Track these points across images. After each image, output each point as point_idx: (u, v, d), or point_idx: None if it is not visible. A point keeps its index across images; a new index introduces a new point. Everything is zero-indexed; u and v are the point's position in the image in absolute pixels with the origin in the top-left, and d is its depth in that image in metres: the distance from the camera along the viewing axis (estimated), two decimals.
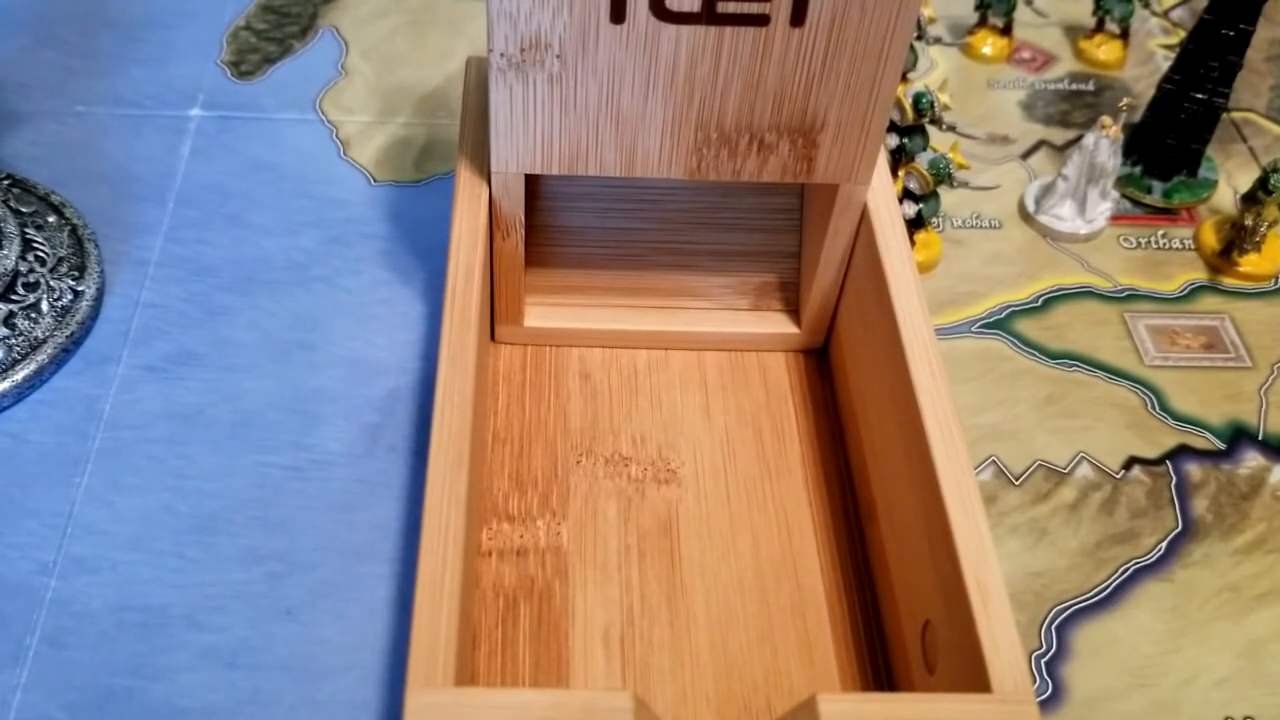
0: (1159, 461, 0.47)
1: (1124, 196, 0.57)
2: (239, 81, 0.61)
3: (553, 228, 0.47)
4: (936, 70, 0.64)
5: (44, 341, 0.47)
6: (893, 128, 0.50)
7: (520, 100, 0.39)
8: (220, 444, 0.45)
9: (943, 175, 0.50)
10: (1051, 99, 0.63)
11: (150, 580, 0.41)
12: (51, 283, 0.48)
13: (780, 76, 0.38)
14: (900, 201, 0.47)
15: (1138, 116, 0.59)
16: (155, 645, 0.39)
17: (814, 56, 0.38)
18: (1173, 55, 0.56)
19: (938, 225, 0.55)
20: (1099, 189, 0.54)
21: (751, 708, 0.38)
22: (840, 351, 0.46)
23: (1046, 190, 0.56)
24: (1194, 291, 0.53)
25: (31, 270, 0.48)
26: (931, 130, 0.51)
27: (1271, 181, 0.52)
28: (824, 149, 0.41)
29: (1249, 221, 0.53)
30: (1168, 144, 0.56)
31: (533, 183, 0.45)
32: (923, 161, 0.51)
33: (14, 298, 0.47)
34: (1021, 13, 0.65)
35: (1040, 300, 0.53)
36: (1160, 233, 0.56)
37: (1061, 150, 0.60)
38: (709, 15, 0.36)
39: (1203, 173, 0.58)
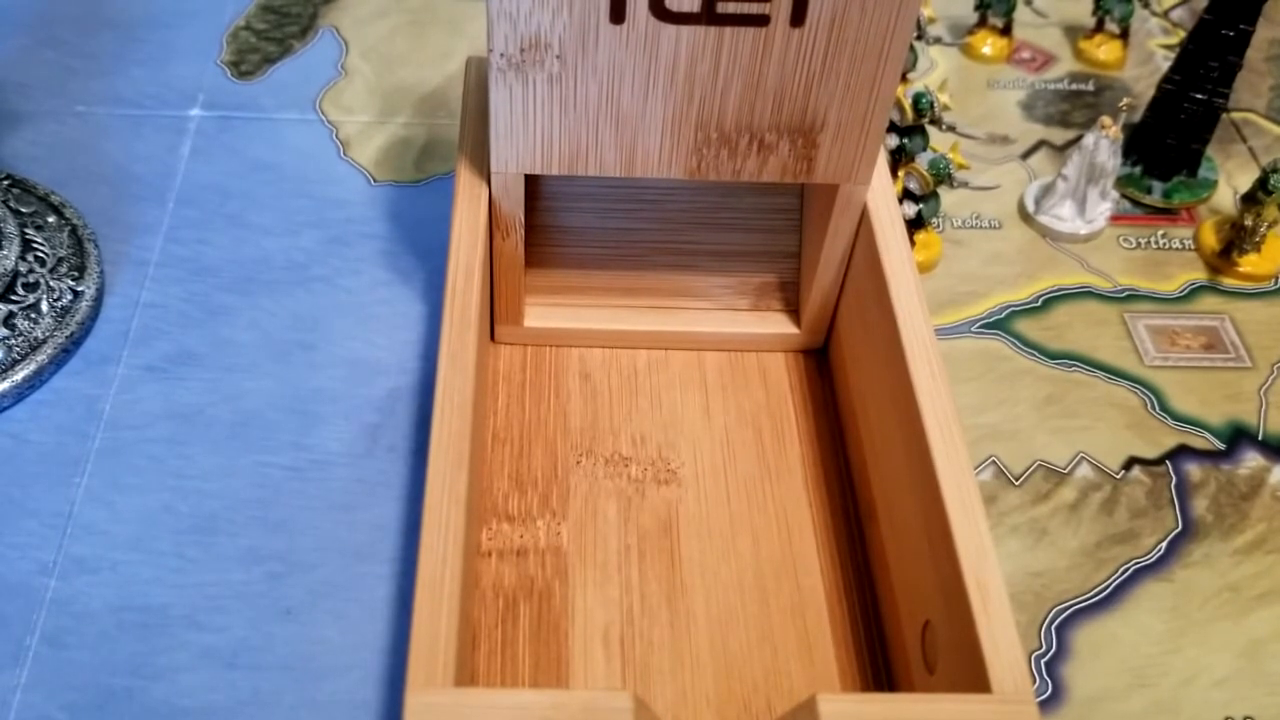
0: (1159, 461, 0.47)
1: (1124, 196, 0.57)
2: (239, 81, 0.61)
3: (553, 228, 0.47)
4: (936, 70, 0.64)
5: (44, 342, 0.47)
6: (893, 128, 0.50)
7: (520, 100, 0.39)
8: (220, 444, 0.45)
9: (943, 175, 0.50)
10: (1051, 99, 0.63)
11: (150, 580, 0.41)
12: (51, 283, 0.48)
13: (780, 76, 0.38)
14: (900, 201, 0.47)
15: (1138, 116, 0.59)
16: (155, 645, 0.39)
17: (814, 56, 0.38)
18: (1173, 55, 0.56)
19: (938, 225, 0.55)
20: (1099, 189, 0.54)
21: (751, 708, 0.38)
22: (840, 351, 0.46)
23: (1046, 190, 0.56)
24: (1194, 292, 0.53)
25: (31, 270, 0.48)
26: (931, 130, 0.51)
27: (1271, 181, 0.52)
28: (824, 149, 0.41)
29: (1249, 221, 0.53)
30: (1168, 144, 0.56)
31: (533, 183, 0.45)
32: (923, 161, 0.51)
33: (14, 298, 0.47)
34: (1021, 13, 0.65)
35: (1040, 300, 0.53)
36: (1160, 233, 0.56)
37: (1061, 150, 0.60)
38: (709, 15, 0.36)
39: (1203, 173, 0.58)
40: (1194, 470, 0.46)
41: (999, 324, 0.51)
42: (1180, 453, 0.47)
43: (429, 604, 0.31)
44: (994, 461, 0.46)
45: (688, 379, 0.47)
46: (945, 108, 0.50)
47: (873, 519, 0.41)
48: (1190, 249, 0.55)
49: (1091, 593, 0.42)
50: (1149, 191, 0.57)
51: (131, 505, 0.43)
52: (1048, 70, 0.65)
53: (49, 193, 0.53)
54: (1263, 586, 0.43)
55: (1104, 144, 0.53)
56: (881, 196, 0.43)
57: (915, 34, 0.51)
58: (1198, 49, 0.54)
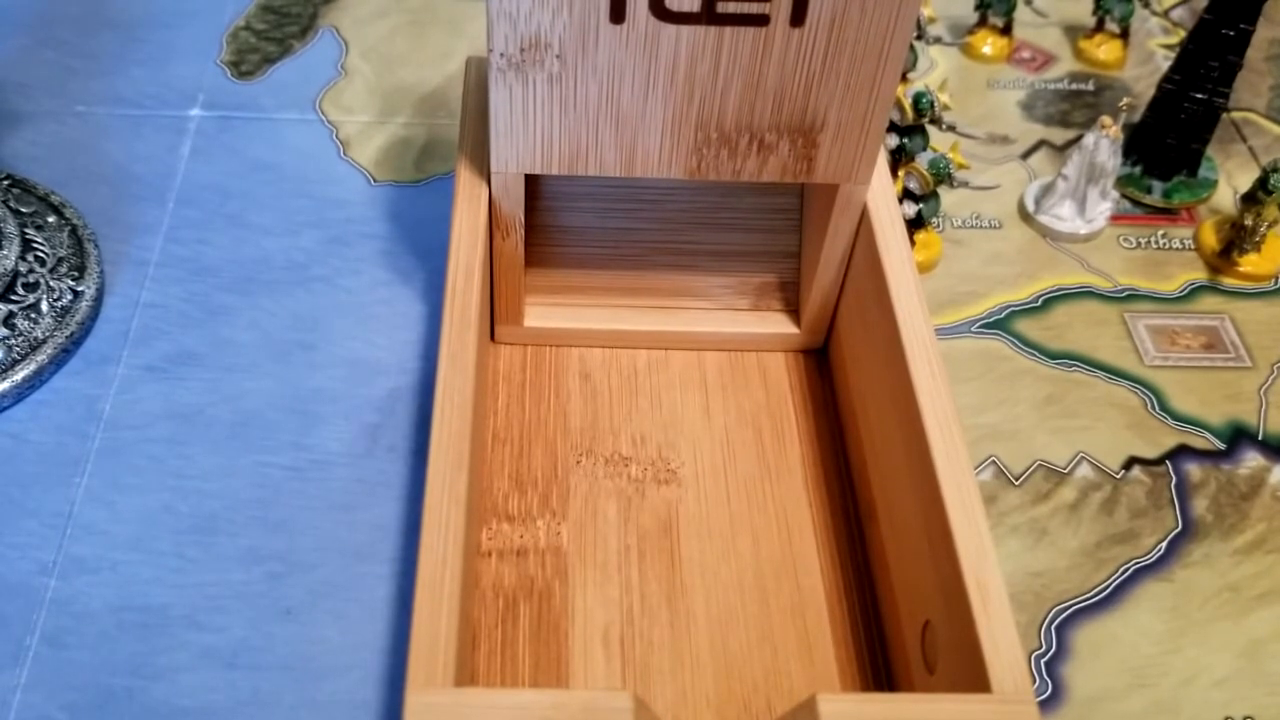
0: (1159, 461, 0.47)
1: (1124, 196, 0.57)
2: (239, 81, 0.61)
3: (553, 228, 0.47)
4: (936, 70, 0.64)
5: (44, 342, 0.47)
6: (893, 128, 0.50)
7: (520, 100, 0.39)
8: (220, 444, 0.45)
9: (943, 175, 0.50)
10: (1051, 99, 0.63)
11: (150, 580, 0.41)
12: (51, 283, 0.48)
13: (780, 76, 0.38)
14: (900, 201, 0.47)
15: (1138, 116, 0.59)
16: (155, 645, 0.39)
17: (814, 56, 0.38)
18: (1173, 55, 0.56)
19: (938, 225, 0.55)
20: (1099, 189, 0.54)
21: (751, 708, 0.38)
22: (840, 351, 0.46)
23: (1046, 190, 0.56)
24: (1194, 291, 0.53)
25: (31, 270, 0.48)
26: (931, 130, 0.51)
27: (1271, 181, 0.52)
28: (824, 149, 0.41)
29: (1249, 221, 0.53)
30: (1168, 144, 0.56)
31: (533, 183, 0.45)
32: (923, 161, 0.51)
33: (14, 298, 0.47)
34: (1021, 12, 0.65)
35: (1040, 300, 0.53)
36: (1160, 233, 0.56)
37: (1061, 150, 0.60)
38: (709, 15, 0.36)
39: (1203, 173, 0.58)
40: (1194, 470, 0.46)
41: (999, 324, 0.51)
42: (1180, 453, 0.47)
43: (429, 604, 0.31)
44: (994, 461, 0.46)
45: (688, 379, 0.47)
46: (945, 107, 0.50)
47: (873, 519, 0.41)
48: (1190, 249, 0.55)
49: (1091, 593, 0.42)
50: (1149, 191, 0.57)
51: (131, 505, 0.43)
52: (1048, 70, 0.65)
53: (49, 193, 0.53)
54: (1263, 586, 0.43)
55: (1104, 144, 0.53)
56: (881, 196, 0.43)
57: (915, 34, 0.51)
58: (1198, 49, 0.54)
